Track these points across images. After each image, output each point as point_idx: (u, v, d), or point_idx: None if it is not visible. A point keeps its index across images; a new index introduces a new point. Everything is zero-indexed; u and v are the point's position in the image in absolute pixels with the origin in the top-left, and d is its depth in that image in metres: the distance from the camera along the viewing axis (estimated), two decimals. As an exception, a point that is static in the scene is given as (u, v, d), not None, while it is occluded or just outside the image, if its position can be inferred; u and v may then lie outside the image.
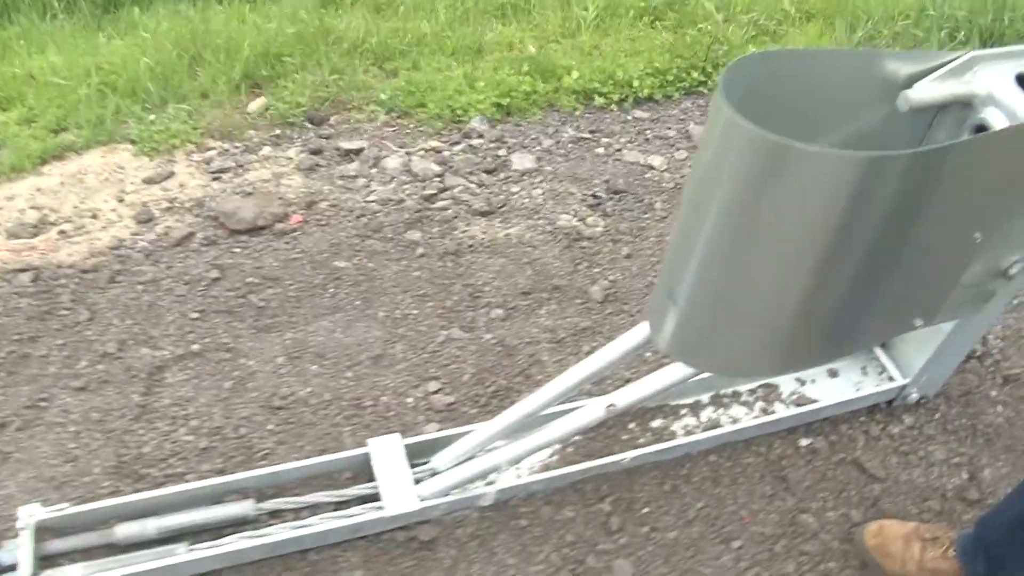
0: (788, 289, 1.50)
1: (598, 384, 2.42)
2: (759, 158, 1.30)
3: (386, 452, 2.11)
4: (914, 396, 2.48)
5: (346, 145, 3.35)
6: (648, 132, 3.61)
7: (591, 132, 3.56)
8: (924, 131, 1.76)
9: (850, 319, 1.65)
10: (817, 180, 1.30)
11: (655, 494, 2.20)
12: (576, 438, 2.23)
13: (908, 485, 2.31)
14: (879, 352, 2.53)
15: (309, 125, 3.52)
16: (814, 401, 2.45)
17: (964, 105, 1.68)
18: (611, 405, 1.94)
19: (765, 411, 2.43)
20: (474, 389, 2.40)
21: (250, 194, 3.06)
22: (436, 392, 2.38)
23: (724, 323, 1.59)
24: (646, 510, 2.17)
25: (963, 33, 4.48)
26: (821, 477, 2.29)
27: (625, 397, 1.93)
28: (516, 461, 2.04)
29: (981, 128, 1.65)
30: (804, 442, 2.37)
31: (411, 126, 3.54)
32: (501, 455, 2.03)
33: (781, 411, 2.41)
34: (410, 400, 2.36)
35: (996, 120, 1.61)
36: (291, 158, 3.28)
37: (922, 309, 1.72)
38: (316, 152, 3.31)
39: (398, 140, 3.42)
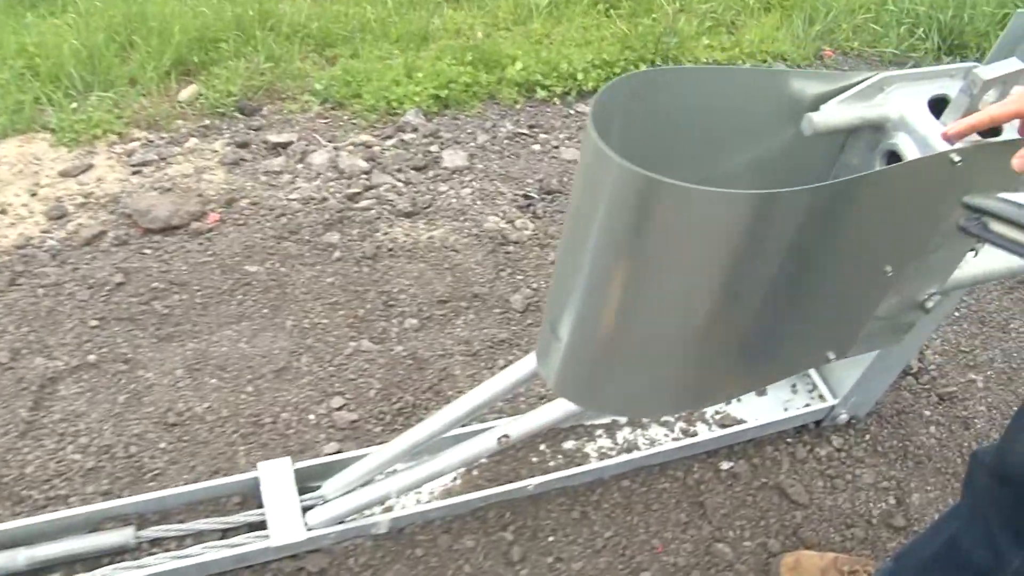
0: (678, 329, 1.41)
1: (510, 401, 2.32)
2: (632, 195, 1.19)
3: (275, 477, 2.00)
4: (844, 417, 2.38)
5: (274, 138, 3.21)
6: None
7: (530, 127, 3.44)
8: (836, 153, 1.64)
9: (753, 355, 1.56)
10: (697, 219, 1.20)
11: (562, 521, 2.10)
12: (483, 459, 2.12)
13: (832, 511, 2.21)
14: (811, 370, 2.43)
15: (240, 116, 3.38)
16: (740, 422, 2.36)
17: (876, 128, 1.56)
18: (503, 436, 1.83)
19: (686, 432, 2.33)
20: (379, 406, 2.28)
21: (169, 190, 2.93)
22: (340, 409, 2.27)
23: (611, 363, 1.49)
24: (551, 539, 2.07)
25: (923, 29, 4.37)
26: (740, 503, 2.19)
27: (518, 428, 1.82)
28: (408, 490, 1.94)
29: (893, 154, 1.53)
30: (725, 465, 2.27)
31: (345, 118, 3.41)
32: (393, 483, 1.93)
33: (704, 433, 2.31)
34: (312, 417, 2.24)
35: (907, 147, 1.50)
36: (216, 151, 3.15)
37: (834, 343, 1.64)
38: (243, 145, 3.18)
39: (329, 133, 3.28)
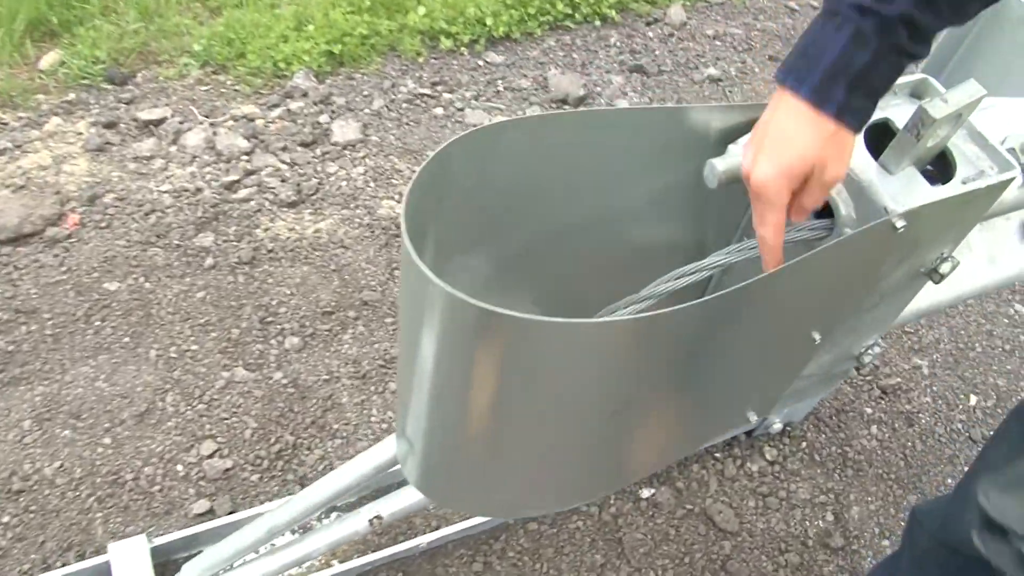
0: (556, 446, 1.17)
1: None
2: (467, 330, 0.93)
3: (130, 559, 1.75)
4: (777, 425, 2.16)
5: (146, 115, 2.86)
6: (500, 82, 3.15)
7: (433, 85, 3.10)
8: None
9: (659, 441, 1.33)
10: (557, 351, 0.95)
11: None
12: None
13: (764, 536, 2.01)
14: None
15: (109, 86, 3.01)
16: (661, 434, 2.11)
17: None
18: (376, 517, 1.58)
19: (601, 453, 2.08)
20: (256, 449, 2.03)
21: (22, 187, 2.59)
22: (211, 455, 2.02)
23: (479, 475, 1.25)
24: (449, 596, 1.84)
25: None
26: (663, 538, 1.98)
27: (392, 507, 1.57)
28: (277, 574, 1.68)
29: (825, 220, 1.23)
30: (645, 494, 2.05)
31: (227, 84, 3.05)
32: (259, 568, 1.67)
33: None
34: (180, 468, 1.99)
35: (837, 195, 1.19)
36: (80, 133, 2.80)
37: (755, 405, 1.42)
38: (109, 126, 2.83)
39: (208, 104, 2.94)
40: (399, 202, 2.64)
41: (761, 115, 1.02)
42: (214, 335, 2.24)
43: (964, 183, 1.10)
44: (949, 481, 2.14)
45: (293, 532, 1.90)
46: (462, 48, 3.29)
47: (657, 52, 3.49)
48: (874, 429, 2.22)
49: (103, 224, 2.50)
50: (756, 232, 1.04)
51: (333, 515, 1.98)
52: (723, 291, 0.93)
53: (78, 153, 2.73)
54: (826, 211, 1.15)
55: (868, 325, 1.34)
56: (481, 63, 3.24)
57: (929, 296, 1.44)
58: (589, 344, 0.95)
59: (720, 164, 1.15)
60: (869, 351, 1.39)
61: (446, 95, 3.06)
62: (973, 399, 2.26)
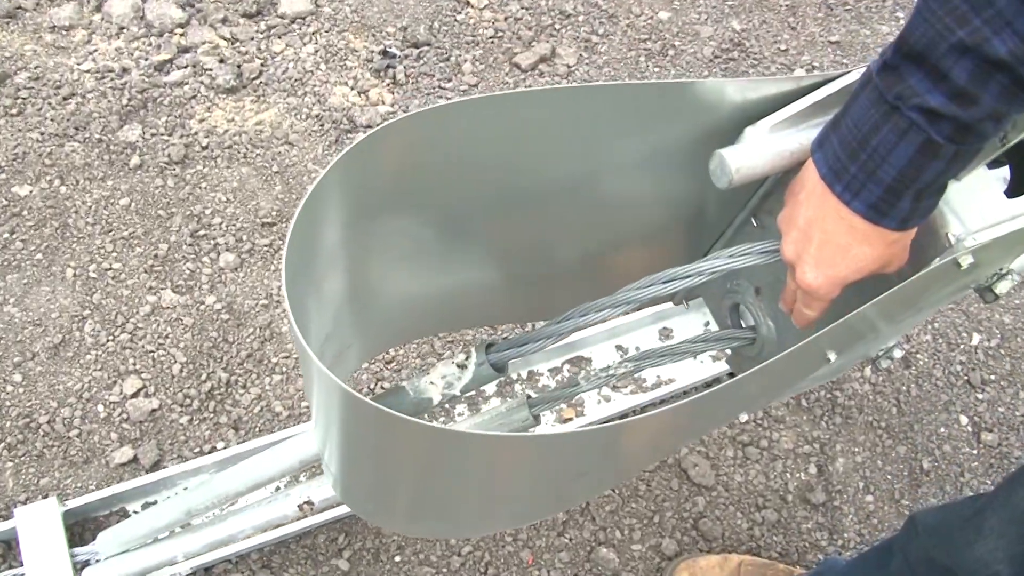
0: (494, 503, 0.99)
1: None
2: (369, 433, 0.75)
3: (39, 524, 1.58)
4: (766, 361, 1.96)
5: (64, -28, 2.51)
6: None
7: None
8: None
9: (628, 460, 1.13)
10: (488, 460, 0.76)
11: (411, 537, 1.70)
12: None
13: (741, 490, 1.86)
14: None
15: (24, -67, 2.63)
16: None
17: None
18: (307, 503, 1.40)
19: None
20: (185, 387, 1.83)
21: (-79, 63, 2.28)
22: (136, 395, 1.82)
23: (404, 515, 1.07)
24: (398, 559, 1.70)
25: None
26: (632, 493, 1.83)
27: (323, 493, 1.38)
28: (197, 555, 1.52)
29: None
30: (615, 437, 1.86)
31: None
32: (179, 546, 1.51)
33: (591, 410, 1.89)
34: (100, 409, 1.80)
35: None
36: (-10, -6, 2.45)
37: (747, 409, 1.23)
38: (23, -15, 2.48)
39: (138, -39, 2.57)
40: (353, 88, 2.34)
41: (793, 192, 0.82)
42: (139, 251, 2.00)
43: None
44: (942, 430, 1.97)
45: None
46: None
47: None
48: (867, 371, 2.03)
49: (13, 110, 2.20)
50: (796, 308, 0.85)
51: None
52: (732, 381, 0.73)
53: (-13, 20, 2.40)
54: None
55: (890, 335, 1.13)
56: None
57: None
58: (532, 454, 0.74)
59: (733, 158, 0.91)
60: (887, 356, 1.19)
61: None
62: (976, 338, 2.07)
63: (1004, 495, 1.17)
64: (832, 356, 0.98)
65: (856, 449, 1.94)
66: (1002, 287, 0.98)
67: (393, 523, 1.24)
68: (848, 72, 0.93)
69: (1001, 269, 0.97)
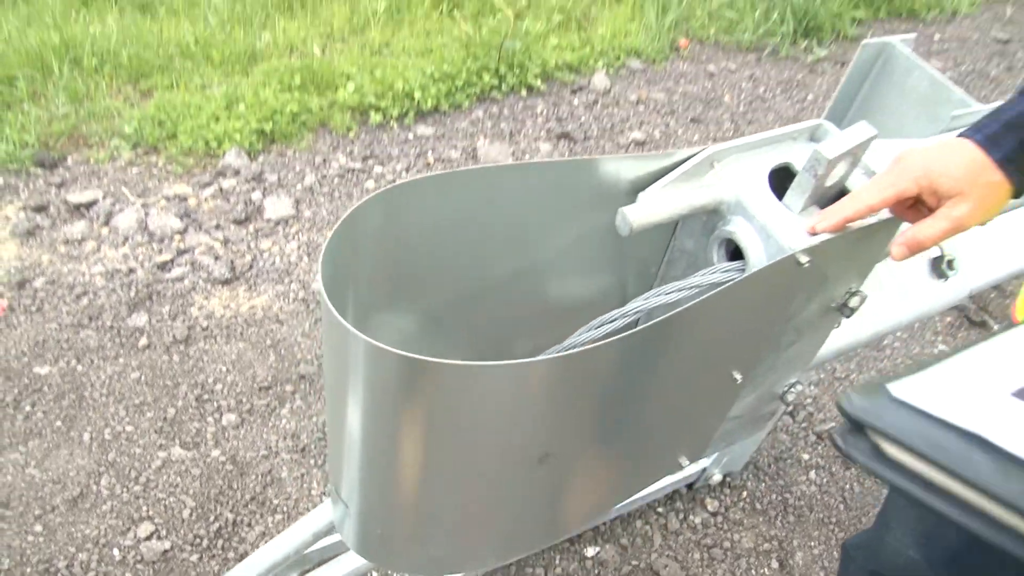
0: (489, 494, 1.20)
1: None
2: (389, 379, 0.95)
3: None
4: (717, 476, 2.19)
5: (76, 198, 2.85)
6: (430, 153, 3.20)
7: (364, 159, 3.14)
8: (669, 235, 1.41)
9: (590, 489, 1.34)
10: (480, 394, 0.98)
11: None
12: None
13: (708, 589, 2.02)
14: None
15: (38, 170, 3.00)
16: (602, 492, 2.12)
17: (712, 211, 1.32)
18: (319, 588, 1.56)
19: (543, 515, 2.08)
20: (195, 528, 2.00)
21: (-52, 275, 2.55)
22: (149, 537, 1.98)
23: (414, 532, 1.26)
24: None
25: (778, 12, 4.18)
26: (606, 594, 1.98)
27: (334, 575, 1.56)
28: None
29: (730, 243, 1.28)
30: (591, 552, 2.06)
31: (159, 164, 3.06)
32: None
33: (562, 513, 2.07)
34: (116, 553, 1.95)
35: (746, 237, 1.24)
36: (8, 218, 2.78)
37: (686, 450, 1.46)
38: (39, 209, 2.82)
39: (140, 186, 2.94)
40: (334, 275, 2.65)
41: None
42: (149, 415, 2.22)
43: (862, 219, 1.16)
44: (884, 527, 2.18)
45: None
46: (392, 122, 3.34)
47: (583, 119, 3.58)
48: (812, 475, 2.26)
49: (33, 308, 2.47)
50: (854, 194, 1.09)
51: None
52: (637, 328, 0.96)
53: (6, 238, 2.71)
54: (738, 255, 1.20)
55: (788, 363, 1.38)
56: (411, 136, 3.30)
57: (847, 334, 1.49)
58: (509, 386, 0.97)
59: (632, 213, 1.19)
60: (792, 389, 1.43)
61: (377, 168, 3.10)
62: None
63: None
64: (738, 376, 1.23)
65: (812, 543, 2.13)
66: (854, 302, 1.25)
67: (403, 553, 1.38)
68: (703, 149, 1.25)
69: (851, 288, 1.25)
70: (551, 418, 1.08)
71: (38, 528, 1.98)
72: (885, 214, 1.13)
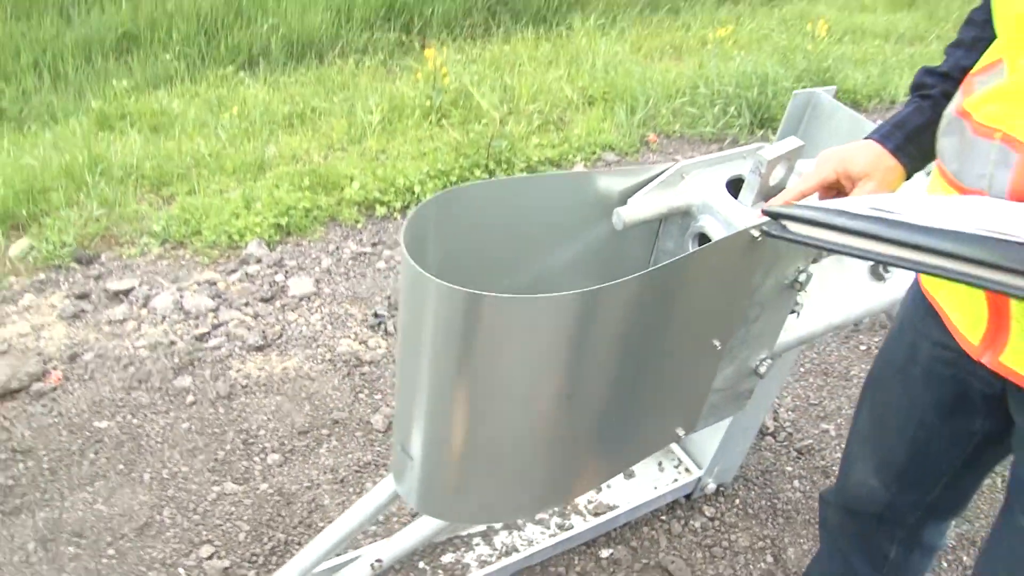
0: (525, 431, 1.45)
1: (383, 523, 2.29)
2: (454, 312, 1.24)
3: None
4: (712, 486, 2.45)
5: (115, 286, 3.15)
6: (433, 238, 3.54)
7: (373, 245, 3.48)
8: (652, 240, 1.74)
9: (605, 443, 1.62)
10: (523, 326, 1.26)
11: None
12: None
13: (713, 581, 2.26)
14: (673, 444, 2.50)
15: (77, 266, 3.30)
16: (613, 507, 2.40)
17: (684, 214, 1.66)
18: (376, 561, 1.82)
19: (562, 527, 2.34)
20: (251, 548, 2.23)
21: (4, 352, 2.82)
22: (210, 557, 2.21)
23: (467, 474, 1.52)
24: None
25: (734, 107, 4.64)
26: (621, 588, 2.22)
27: (391, 550, 1.81)
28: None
29: (703, 235, 1.63)
30: (605, 553, 2.30)
31: (187, 256, 3.37)
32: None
33: (579, 524, 2.33)
34: (182, 571, 2.18)
35: (713, 229, 1.60)
36: (54, 305, 3.06)
37: (681, 419, 1.71)
38: (82, 296, 3.11)
39: (171, 274, 3.24)
40: (355, 339, 2.95)
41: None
42: (201, 457, 2.47)
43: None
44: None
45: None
46: (395, 213, 3.70)
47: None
48: (796, 483, 2.54)
49: (86, 377, 2.74)
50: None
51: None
52: (635, 275, 1.28)
53: (54, 321, 2.99)
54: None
55: (757, 338, 1.68)
56: (414, 225, 3.64)
57: (806, 324, 1.81)
58: (550, 316, 1.27)
59: (624, 212, 1.54)
60: (763, 363, 1.73)
61: (386, 252, 3.44)
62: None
63: (853, 423, 1.70)
64: (717, 343, 1.54)
65: (801, 540, 2.39)
66: (803, 278, 1.57)
67: (455, 501, 1.61)
68: (675, 164, 1.61)
69: (799, 267, 1.57)
70: (572, 354, 1.37)
71: (111, 552, 2.21)
72: (815, 199, 1.48)
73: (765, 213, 1.15)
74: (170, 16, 5.56)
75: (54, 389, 2.69)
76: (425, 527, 1.84)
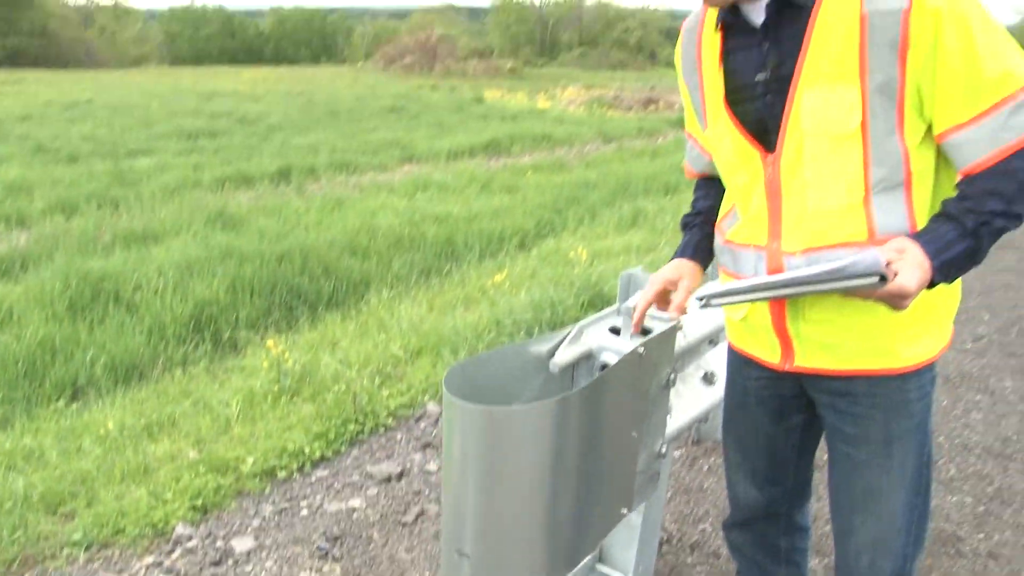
0: (540, 512, 1.99)
1: None
2: (482, 426, 1.88)
3: None
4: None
5: (63, 592, 3.40)
6: (335, 485, 4.06)
7: (288, 501, 3.94)
8: (570, 380, 2.46)
9: (579, 522, 2.11)
10: (524, 428, 1.89)
11: None
12: None
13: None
14: (600, 567, 3.06)
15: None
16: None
17: (590, 356, 2.42)
18: None
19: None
20: None
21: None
22: None
23: (505, 552, 2.04)
24: None
25: (537, 329, 5.54)
26: None
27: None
28: None
29: (605, 365, 2.39)
30: None
31: (117, 556, 3.67)
32: None
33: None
34: None
35: (610, 358, 2.38)
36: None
37: (622, 500, 2.24)
38: (35, 610, 3.34)
39: (111, 570, 3.54)
40: (312, 571, 3.39)
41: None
42: None
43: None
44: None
45: None
46: (295, 473, 4.18)
47: (435, 433, 4.59)
48: (697, 568, 3.21)
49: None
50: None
51: None
52: (574, 390, 1.98)
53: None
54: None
55: (656, 426, 2.32)
56: (314, 479, 4.15)
57: (676, 420, 2.58)
58: (542, 418, 1.91)
59: (557, 359, 2.29)
60: (663, 447, 2.36)
61: (303, 502, 3.91)
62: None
63: (725, 456, 2.41)
64: (635, 433, 2.24)
65: None
66: (672, 379, 2.28)
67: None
68: (576, 325, 2.40)
69: (669, 372, 2.32)
70: (558, 445, 1.99)
71: None
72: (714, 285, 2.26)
73: (699, 299, 1.91)
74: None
75: None
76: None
